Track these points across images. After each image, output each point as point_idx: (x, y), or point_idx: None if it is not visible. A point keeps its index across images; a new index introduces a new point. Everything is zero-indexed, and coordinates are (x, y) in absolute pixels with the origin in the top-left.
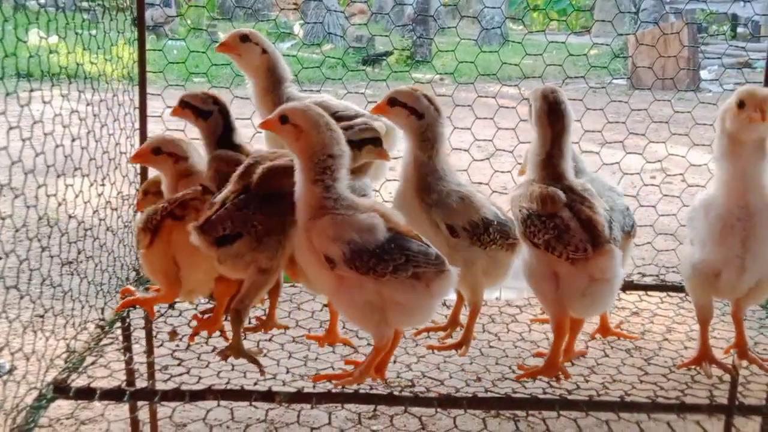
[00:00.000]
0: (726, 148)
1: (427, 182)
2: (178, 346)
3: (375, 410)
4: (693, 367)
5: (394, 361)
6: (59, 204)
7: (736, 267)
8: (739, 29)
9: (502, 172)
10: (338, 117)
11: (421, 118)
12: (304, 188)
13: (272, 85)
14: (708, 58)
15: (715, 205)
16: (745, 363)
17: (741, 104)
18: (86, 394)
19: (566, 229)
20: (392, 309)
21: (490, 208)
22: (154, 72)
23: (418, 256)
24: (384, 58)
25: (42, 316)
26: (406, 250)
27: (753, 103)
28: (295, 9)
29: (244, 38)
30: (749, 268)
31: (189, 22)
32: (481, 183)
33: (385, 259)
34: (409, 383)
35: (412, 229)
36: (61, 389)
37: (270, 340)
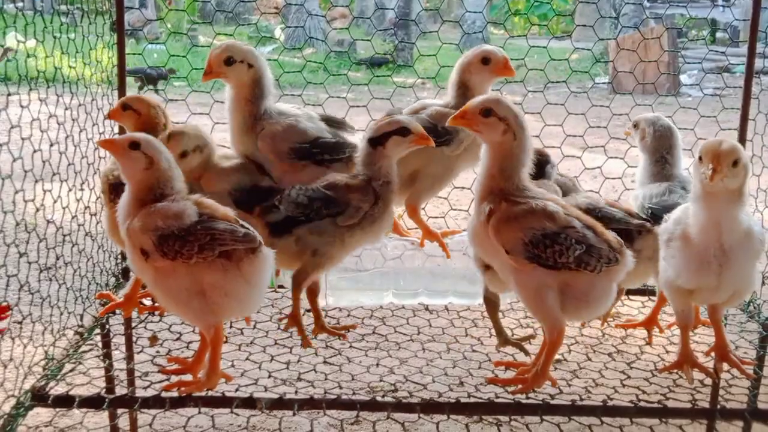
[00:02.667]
0: (699, 195)
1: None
2: (158, 352)
3: (357, 416)
4: (674, 371)
5: (377, 364)
6: (37, 209)
7: (711, 289)
8: (719, 34)
9: None
10: (317, 144)
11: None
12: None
13: (251, 100)
14: (688, 63)
15: (691, 241)
16: (726, 366)
17: (700, 159)
18: (65, 401)
19: (589, 240)
20: (211, 294)
21: None
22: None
23: (224, 234)
24: (386, 60)
25: (20, 323)
26: (212, 230)
27: (707, 159)
28: (276, 13)
29: (229, 60)
30: (723, 289)
31: (169, 25)
32: (463, 188)
33: (189, 240)
34: (392, 388)
35: (231, 215)
36: (39, 397)
37: (251, 343)
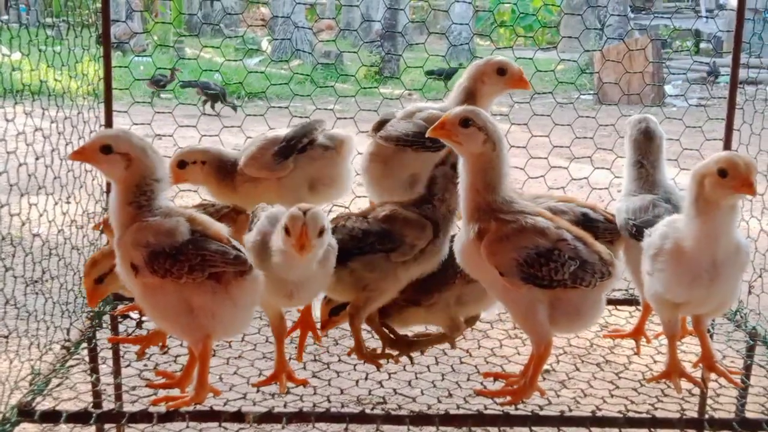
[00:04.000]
0: (699, 210)
1: None
2: (145, 365)
3: (346, 429)
4: (663, 380)
5: (366, 378)
6: (23, 223)
7: (700, 301)
8: (702, 45)
9: None
10: (290, 138)
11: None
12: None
13: (220, 175)
14: (672, 74)
15: (684, 256)
16: (713, 376)
17: (723, 173)
18: (52, 417)
19: (581, 255)
20: (198, 314)
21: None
22: (120, 89)
23: (215, 256)
24: (455, 71)
25: (6, 338)
26: (203, 251)
27: (738, 175)
28: (262, 25)
29: (181, 164)
30: (711, 301)
31: (156, 38)
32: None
33: (180, 260)
34: (381, 400)
35: (224, 233)
36: (25, 412)
37: (239, 357)
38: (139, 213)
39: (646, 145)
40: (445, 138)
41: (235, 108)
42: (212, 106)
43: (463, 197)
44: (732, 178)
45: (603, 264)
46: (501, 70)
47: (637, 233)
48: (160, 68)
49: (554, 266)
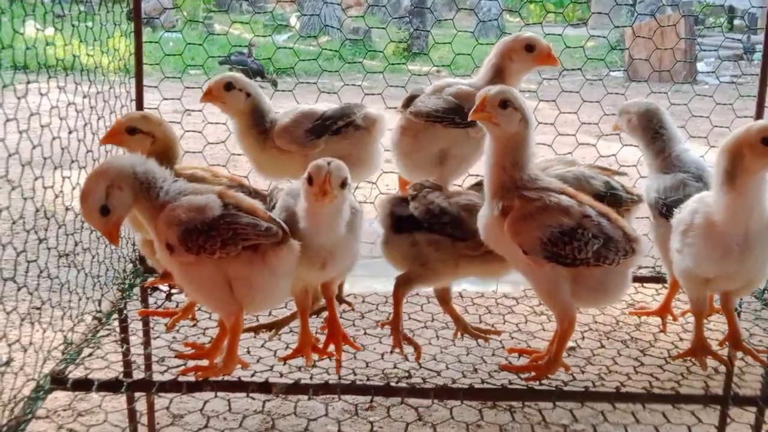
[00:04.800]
0: (733, 182)
1: None
2: (174, 338)
3: (372, 401)
4: (688, 358)
5: (391, 352)
6: (56, 196)
7: (730, 277)
8: (736, 21)
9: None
10: (327, 117)
11: None
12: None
13: (255, 122)
14: (705, 50)
15: (715, 230)
16: (740, 354)
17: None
18: (84, 385)
19: (605, 231)
20: (236, 286)
21: None
22: (150, 64)
23: (246, 229)
24: None
25: (39, 308)
26: (235, 225)
27: None
28: (291, 1)
29: (228, 86)
30: (741, 277)
31: (185, 14)
32: (478, 175)
33: (212, 236)
34: (406, 374)
35: (258, 206)
36: (58, 380)
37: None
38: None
39: (658, 114)
40: (485, 120)
41: (275, 83)
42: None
43: (489, 174)
44: (538, 51)
45: (627, 241)
46: (529, 47)
47: (667, 212)
48: (235, 46)
49: (578, 245)
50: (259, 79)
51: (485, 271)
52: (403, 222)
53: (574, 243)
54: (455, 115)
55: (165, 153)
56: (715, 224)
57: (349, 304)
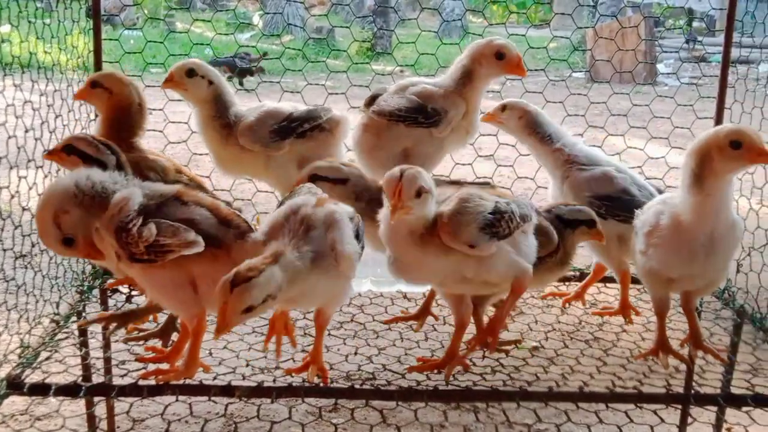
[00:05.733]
0: (703, 183)
1: None
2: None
3: (335, 404)
4: (650, 357)
5: (355, 353)
6: (12, 196)
7: (694, 277)
8: (695, 23)
9: (462, 164)
10: (293, 119)
11: None
12: None
13: (218, 113)
14: (665, 52)
15: (681, 230)
16: (700, 353)
17: (737, 145)
18: (41, 389)
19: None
20: (200, 282)
21: None
22: (110, 62)
23: (166, 233)
24: None
25: None
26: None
27: (752, 146)
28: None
29: (191, 72)
30: (705, 277)
31: (146, 11)
32: (441, 176)
33: (129, 229)
34: (370, 376)
35: (219, 204)
36: (15, 385)
37: (229, 332)
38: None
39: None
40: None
41: (262, 70)
42: (240, 83)
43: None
44: (747, 149)
45: None
46: (500, 54)
47: (607, 212)
48: (243, 47)
49: (507, 216)
50: (248, 77)
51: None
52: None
53: (504, 216)
54: (418, 114)
55: (123, 115)
56: (682, 224)
57: None
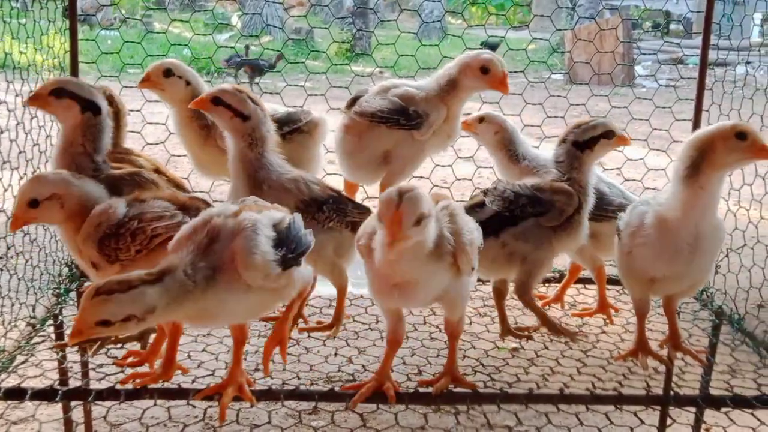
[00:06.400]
0: (699, 175)
1: (258, 177)
2: (112, 343)
3: (315, 406)
4: (630, 358)
5: (335, 354)
6: None
7: (677, 278)
8: (672, 26)
9: (442, 166)
10: (272, 121)
11: (246, 120)
12: None
13: (196, 113)
14: (643, 54)
15: (666, 229)
16: (679, 354)
17: (743, 136)
18: (17, 394)
19: None
20: None
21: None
22: (87, 62)
23: (152, 223)
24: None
25: None
26: (140, 219)
27: (755, 140)
28: (233, 0)
29: (168, 72)
30: (688, 278)
31: (123, 11)
32: (421, 177)
33: (122, 234)
34: (350, 377)
35: (177, 193)
36: None
37: (208, 334)
38: None
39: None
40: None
41: (273, 66)
42: (254, 80)
43: None
44: (751, 143)
45: None
46: (485, 69)
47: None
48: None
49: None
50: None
51: (573, 242)
52: (483, 226)
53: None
54: (400, 116)
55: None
56: (667, 222)
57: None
